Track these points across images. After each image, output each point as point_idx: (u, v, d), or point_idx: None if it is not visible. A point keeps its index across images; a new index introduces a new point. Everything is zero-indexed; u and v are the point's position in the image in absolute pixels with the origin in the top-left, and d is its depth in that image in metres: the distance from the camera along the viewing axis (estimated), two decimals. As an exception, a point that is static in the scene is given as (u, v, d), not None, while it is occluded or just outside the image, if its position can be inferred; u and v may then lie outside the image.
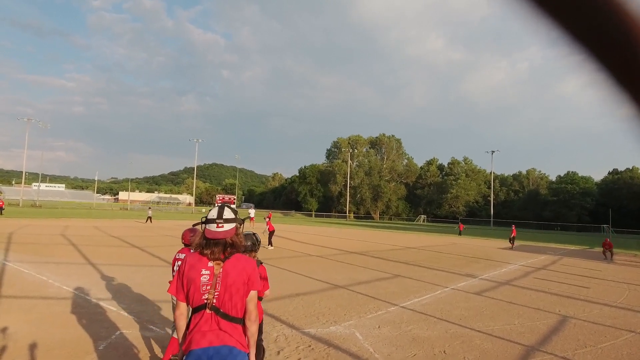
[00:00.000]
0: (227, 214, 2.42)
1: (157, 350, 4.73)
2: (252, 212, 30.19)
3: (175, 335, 4.26)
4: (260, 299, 3.53)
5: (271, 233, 17.12)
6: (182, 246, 4.61)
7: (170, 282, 4.40)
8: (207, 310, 2.25)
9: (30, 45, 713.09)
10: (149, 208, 35.93)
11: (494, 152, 70.67)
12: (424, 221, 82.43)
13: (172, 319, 4.45)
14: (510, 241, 23.90)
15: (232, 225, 2.40)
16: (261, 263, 3.66)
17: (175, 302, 4.30)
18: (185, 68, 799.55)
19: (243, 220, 2.57)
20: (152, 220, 31.30)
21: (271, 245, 16.53)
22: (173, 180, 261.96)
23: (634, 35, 0.35)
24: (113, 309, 6.29)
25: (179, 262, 4.27)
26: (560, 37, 0.37)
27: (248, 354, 2.31)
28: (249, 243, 3.55)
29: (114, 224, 27.55)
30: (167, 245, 15.80)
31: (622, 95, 0.39)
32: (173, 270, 4.41)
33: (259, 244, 3.75)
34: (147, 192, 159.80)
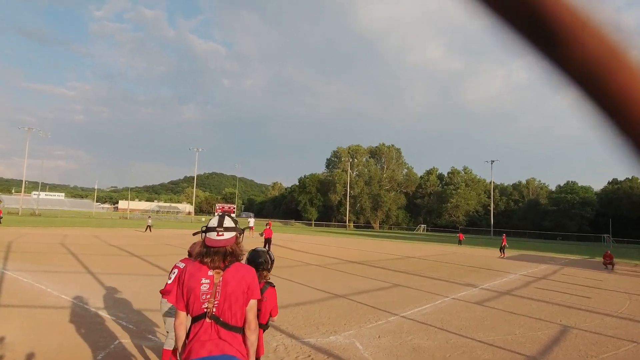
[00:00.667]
0: (228, 222, 2.44)
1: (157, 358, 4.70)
2: (251, 221, 30.21)
3: (166, 347, 4.24)
4: (263, 327, 3.26)
5: (268, 240, 17.99)
6: (186, 256, 4.59)
7: (160, 291, 4.39)
8: (207, 319, 2.25)
9: (31, 53, 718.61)
10: (149, 217, 35.90)
11: (493, 161, 70.89)
12: (423, 231, 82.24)
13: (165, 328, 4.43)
14: (500, 250, 23.92)
15: (232, 234, 2.42)
16: (272, 285, 3.37)
17: (163, 308, 4.30)
18: (187, 76, 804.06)
19: (243, 230, 2.59)
20: (151, 229, 31.28)
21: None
22: (173, 189, 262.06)
23: (614, 66, 0.35)
24: (112, 318, 6.26)
25: (175, 271, 4.26)
26: (548, 67, 0.39)
27: None
28: (260, 260, 3.38)
29: (113, 233, 27.50)
30: (166, 254, 15.76)
31: (603, 118, 0.40)
32: (169, 277, 4.40)
33: (272, 263, 3.46)
34: (147, 201, 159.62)
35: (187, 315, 2.34)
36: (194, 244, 4.55)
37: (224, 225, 2.41)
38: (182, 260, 4.42)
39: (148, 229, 30.95)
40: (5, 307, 6.69)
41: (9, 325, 5.66)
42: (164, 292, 4.35)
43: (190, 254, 4.49)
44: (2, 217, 32.73)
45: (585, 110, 0.40)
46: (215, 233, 2.38)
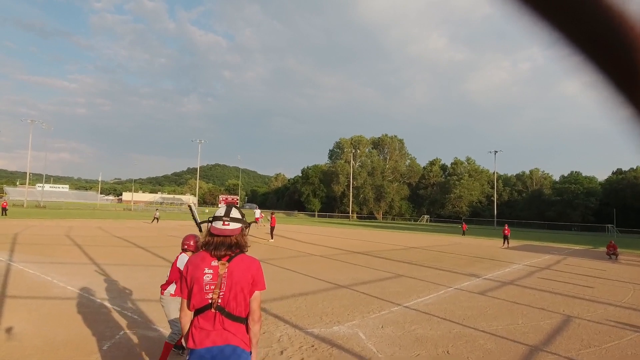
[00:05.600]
0: (235, 213, 2.45)
1: (161, 351, 4.74)
2: (257, 212, 30.31)
3: (168, 340, 4.28)
4: None
5: (272, 228, 20.82)
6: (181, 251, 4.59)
7: (161, 285, 4.42)
8: (212, 310, 2.26)
9: (33, 46, 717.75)
10: (156, 209, 36.34)
11: (496, 152, 70.50)
12: (427, 221, 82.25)
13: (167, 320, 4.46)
14: (504, 240, 23.95)
15: (238, 225, 2.42)
16: None
17: (165, 302, 4.33)
18: (188, 68, 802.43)
19: (249, 224, 2.58)
20: (158, 220, 31.70)
21: (272, 239, 20.13)
22: (176, 181, 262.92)
23: (630, 38, 0.35)
24: (117, 309, 6.32)
25: (179, 266, 4.28)
26: (559, 39, 0.37)
27: (250, 353, 2.32)
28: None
29: (118, 225, 27.67)
30: (170, 245, 15.85)
31: (620, 97, 0.39)
32: (169, 275, 4.44)
33: None
34: (151, 192, 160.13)
35: (191, 306, 2.34)
36: (190, 235, 4.58)
37: (231, 216, 2.42)
38: (179, 255, 4.45)
39: (155, 220, 31.36)
40: (12, 298, 6.77)
41: (16, 316, 5.73)
42: (165, 288, 4.39)
43: (183, 248, 4.51)
44: (7, 210, 33.06)
45: (601, 94, 0.39)
46: (222, 222, 2.39)
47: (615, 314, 7.46)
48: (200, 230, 4.79)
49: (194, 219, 5.58)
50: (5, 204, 33.05)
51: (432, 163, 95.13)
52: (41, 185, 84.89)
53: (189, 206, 4.96)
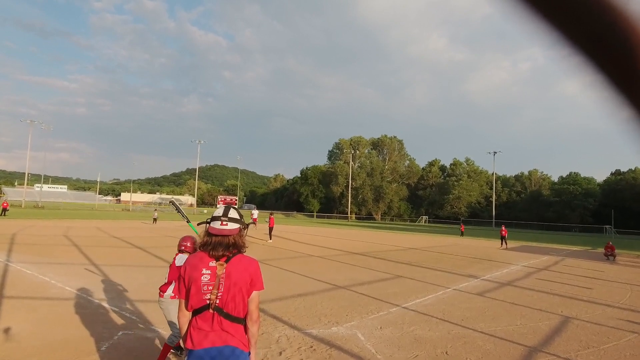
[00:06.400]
0: (233, 213, 2.45)
1: (159, 351, 4.74)
2: (255, 212, 30.13)
3: (168, 342, 4.28)
4: None
5: (271, 229, 20.82)
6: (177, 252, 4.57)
7: (160, 287, 4.41)
8: (210, 311, 2.26)
9: (33, 46, 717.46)
10: (155, 210, 36.44)
11: (495, 153, 70.64)
12: (425, 222, 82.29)
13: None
14: (502, 241, 23.99)
15: (236, 225, 2.42)
16: None
17: (165, 304, 4.32)
18: (188, 68, 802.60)
19: (247, 225, 2.58)
20: (156, 221, 31.70)
21: (270, 239, 20.10)
22: (175, 182, 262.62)
23: (631, 39, 0.35)
24: (115, 310, 6.31)
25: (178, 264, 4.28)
26: (560, 39, 0.37)
27: (249, 354, 2.32)
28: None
29: (116, 225, 27.62)
30: (169, 245, 15.83)
31: (620, 98, 0.39)
32: (167, 277, 4.44)
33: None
34: (149, 193, 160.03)
35: (189, 307, 2.34)
36: (184, 238, 4.57)
37: (229, 216, 2.42)
38: (176, 256, 4.44)
39: (154, 220, 31.38)
40: (10, 299, 6.75)
41: (13, 317, 5.71)
42: (165, 289, 4.38)
43: (180, 249, 4.51)
44: (8, 210, 32.99)
45: (601, 94, 0.39)
46: (220, 222, 2.39)
47: (613, 315, 7.47)
48: (188, 221, 4.86)
49: (179, 212, 5.78)
50: (6, 204, 32.96)
51: (431, 164, 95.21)
52: (40, 185, 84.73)
53: (171, 202, 4.99)
